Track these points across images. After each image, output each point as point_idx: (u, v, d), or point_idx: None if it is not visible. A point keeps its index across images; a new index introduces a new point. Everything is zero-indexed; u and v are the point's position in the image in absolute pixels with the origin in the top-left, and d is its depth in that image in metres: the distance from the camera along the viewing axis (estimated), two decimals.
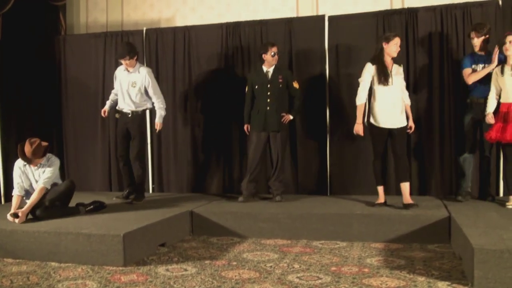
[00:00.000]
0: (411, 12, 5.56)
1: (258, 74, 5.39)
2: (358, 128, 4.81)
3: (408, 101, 4.91)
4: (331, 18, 5.80)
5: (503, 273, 3.04)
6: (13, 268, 3.81)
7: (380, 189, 4.92)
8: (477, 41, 4.85)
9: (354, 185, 5.74)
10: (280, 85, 5.32)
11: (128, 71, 5.33)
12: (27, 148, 4.45)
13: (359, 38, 5.65)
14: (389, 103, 4.72)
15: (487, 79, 4.73)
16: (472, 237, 3.35)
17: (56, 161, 4.69)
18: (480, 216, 4.20)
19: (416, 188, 5.53)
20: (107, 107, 5.63)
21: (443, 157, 5.50)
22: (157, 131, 5.46)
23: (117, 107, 5.50)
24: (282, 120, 5.33)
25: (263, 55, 5.33)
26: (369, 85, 4.77)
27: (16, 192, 4.56)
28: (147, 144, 5.79)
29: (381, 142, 4.83)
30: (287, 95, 5.45)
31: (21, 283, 3.43)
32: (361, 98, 4.78)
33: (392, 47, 4.72)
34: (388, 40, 4.74)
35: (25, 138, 4.55)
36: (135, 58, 5.30)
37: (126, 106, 5.38)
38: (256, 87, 5.36)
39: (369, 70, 4.76)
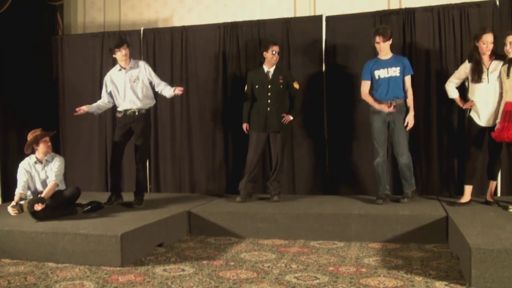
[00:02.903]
0: (408, 13, 5.56)
1: (259, 73, 5.38)
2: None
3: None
4: (328, 18, 5.80)
5: (500, 273, 3.06)
6: (10, 268, 3.80)
7: (468, 188, 4.71)
8: (383, 46, 4.86)
9: (352, 185, 5.75)
10: (281, 86, 5.31)
11: (124, 69, 5.15)
12: (29, 135, 4.69)
13: (356, 38, 5.66)
14: (482, 101, 4.57)
15: (387, 84, 4.85)
16: (470, 237, 3.35)
17: (61, 158, 4.85)
18: (478, 216, 4.21)
19: None
20: (85, 107, 5.15)
21: (441, 157, 5.51)
22: (179, 92, 4.99)
23: (118, 109, 5.27)
24: (282, 120, 5.33)
25: (263, 53, 5.33)
26: (457, 81, 4.72)
27: (19, 190, 4.63)
28: (150, 146, 5.62)
29: (477, 139, 4.64)
30: (287, 95, 5.45)
31: (19, 283, 3.42)
32: (454, 93, 4.74)
33: (482, 46, 4.48)
34: (477, 39, 4.52)
35: (23, 138, 4.72)
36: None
37: (131, 105, 5.13)
38: (257, 87, 5.35)
39: (464, 67, 4.63)
